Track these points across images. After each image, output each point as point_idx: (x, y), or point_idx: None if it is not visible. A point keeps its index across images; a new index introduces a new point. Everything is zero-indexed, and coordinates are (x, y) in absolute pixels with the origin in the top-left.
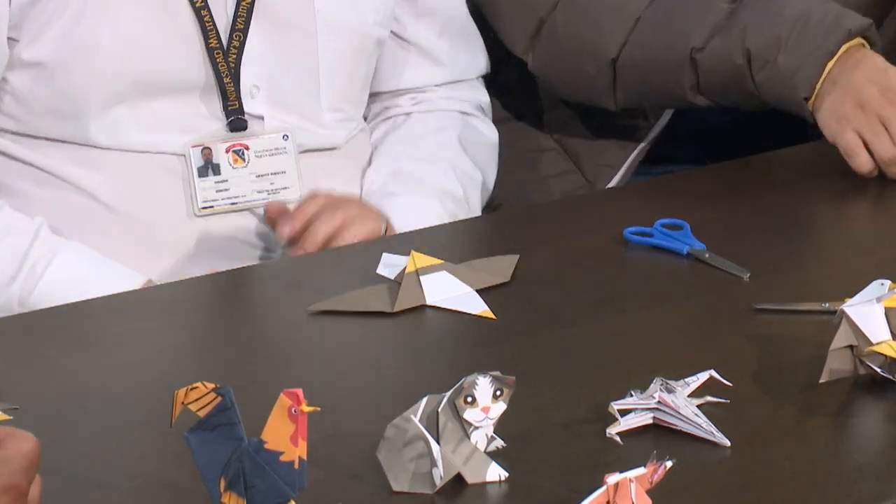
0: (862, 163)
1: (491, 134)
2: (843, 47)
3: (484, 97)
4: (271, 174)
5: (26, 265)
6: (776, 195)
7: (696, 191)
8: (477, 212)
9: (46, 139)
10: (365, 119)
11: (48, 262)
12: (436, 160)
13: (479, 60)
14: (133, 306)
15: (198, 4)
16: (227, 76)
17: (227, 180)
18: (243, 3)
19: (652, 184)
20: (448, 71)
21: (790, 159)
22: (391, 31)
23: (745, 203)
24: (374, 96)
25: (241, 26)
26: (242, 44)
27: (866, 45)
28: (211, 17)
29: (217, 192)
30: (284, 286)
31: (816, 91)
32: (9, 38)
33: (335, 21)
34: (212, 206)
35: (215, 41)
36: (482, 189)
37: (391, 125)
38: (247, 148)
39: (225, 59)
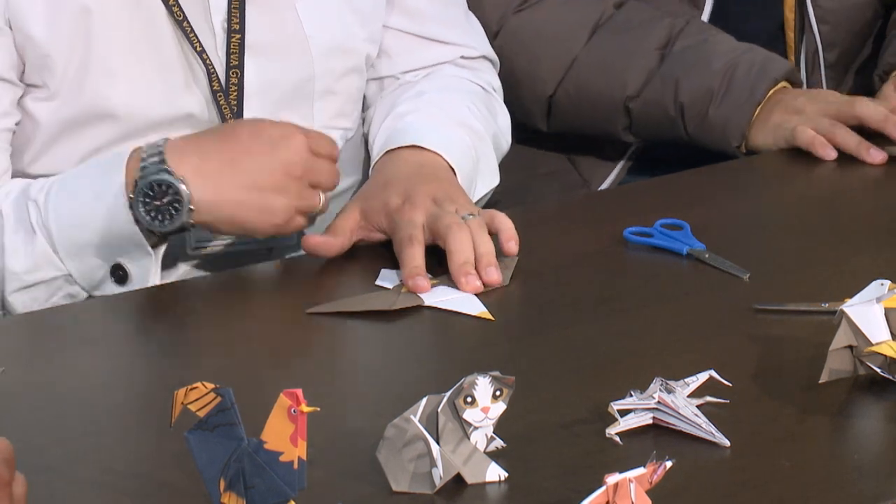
0: (828, 152)
1: (504, 113)
2: (769, 92)
3: (495, 80)
4: None
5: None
6: (776, 195)
7: (696, 191)
8: (494, 167)
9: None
10: (367, 102)
11: (47, 194)
12: (450, 100)
13: (477, 38)
14: (133, 306)
15: (198, 49)
16: (230, 118)
17: None
18: (234, 39)
19: (652, 184)
20: (450, 47)
21: (790, 159)
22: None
23: (745, 203)
24: (374, 80)
25: (236, 63)
26: (241, 80)
27: (789, 87)
28: (210, 59)
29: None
30: (284, 286)
31: (746, 136)
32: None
33: (327, 43)
34: (206, 246)
35: (217, 84)
36: (495, 142)
37: (397, 92)
38: None
39: (226, 99)
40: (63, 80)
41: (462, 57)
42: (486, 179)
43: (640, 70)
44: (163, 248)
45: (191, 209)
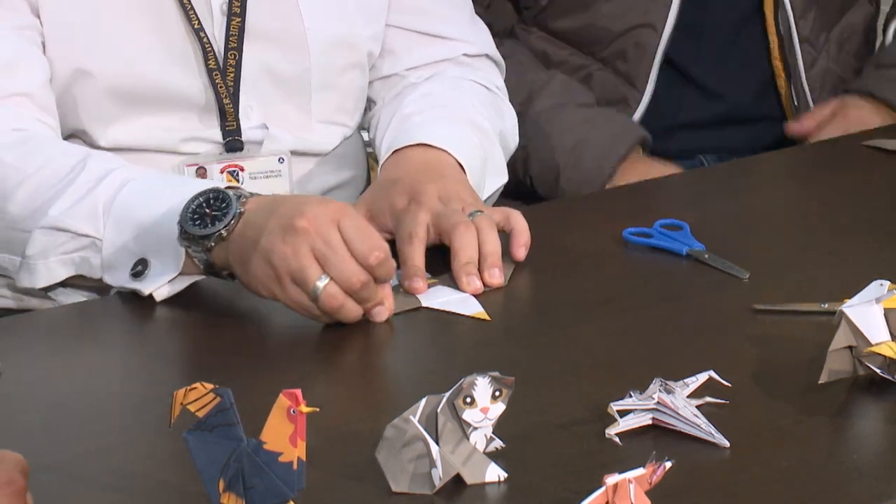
0: None
1: (510, 112)
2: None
3: (499, 80)
4: None
5: (106, 178)
6: (776, 195)
7: (696, 191)
8: (502, 165)
9: None
10: (373, 103)
11: (124, 182)
12: (456, 99)
13: (481, 37)
14: (133, 306)
15: (195, 25)
16: (226, 97)
17: None
18: (234, 22)
19: (652, 184)
20: (452, 43)
21: (790, 159)
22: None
23: (745, 203)
24: (379, 80)
25: (235, 45)
26: (239, 63)
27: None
28: (208, 37)
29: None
30: None
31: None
32: None
33: (326, 37)
34: None
35: (213, 62)
36: (502, 141)
37: (402, 94)
38: (241, 169)
39: (223, 79)
40: (52, 30)
41: (465, 55)
42: (494, 178)
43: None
44: (181, 262)
45: (222, 234)
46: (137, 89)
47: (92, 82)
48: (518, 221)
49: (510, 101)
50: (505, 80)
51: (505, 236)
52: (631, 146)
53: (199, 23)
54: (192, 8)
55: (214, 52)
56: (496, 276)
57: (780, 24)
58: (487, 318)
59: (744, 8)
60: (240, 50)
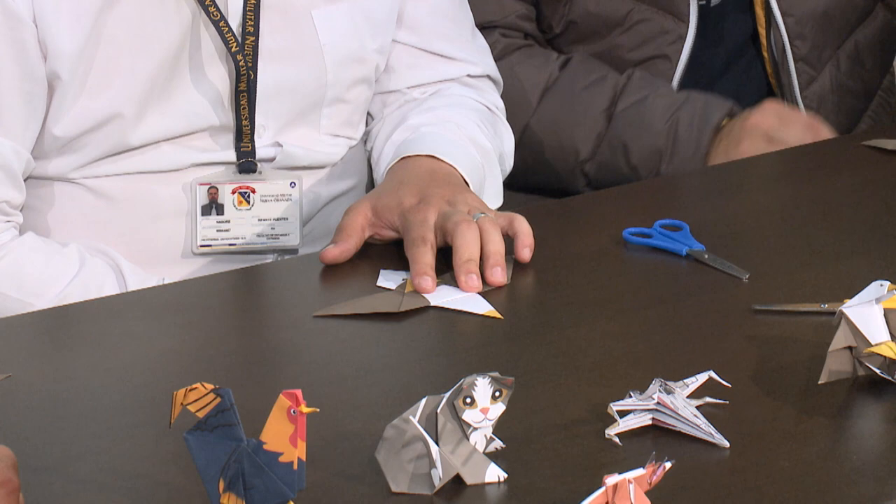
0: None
1: (509, 134)
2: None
3: (499, 101)
4: (273, 220)
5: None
6: (776, 195)
7: (696, 191)
8: (499, 188)
9: (46, 178)
10: (371, 117)
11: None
12: (460, 117)
13: (483, 57)
14: (133, 306)
15: (233, 49)
16: (245, 119)
17: (229, 221)
18: (248, 42)
19: (652, 184)
20: (456, 64)
21: (790, 159)
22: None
23: (745, 203)
24: (378, 95)
25: (251, 65)
26: (254, 83)
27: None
28: (244, 60)
29: (218, 231)
30: (285, 287)
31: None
32: None
33: (341, 53)
34: (210, 245)
35: (244, 84)
36: (500, 164)
37: (405, 108)
38: (253, 191)
39: (246, 100)
40: (70, 101)
41: (468, 75)
42: (490, 200)
43: (589, 135)
44: None
45: None
46: (172, 121)
47: (123, 122)
48: (521, 225)
49: (590, 111)
50: (582, 92)
51: (509, 240)
52: (722, 115)
53: (238, 45)
54: (231, 30)
55: (246, 75)
56: (498, 275)
57: (773, 44)
58: (499, 316)
59: (741, 31)
60: (255, 70)
